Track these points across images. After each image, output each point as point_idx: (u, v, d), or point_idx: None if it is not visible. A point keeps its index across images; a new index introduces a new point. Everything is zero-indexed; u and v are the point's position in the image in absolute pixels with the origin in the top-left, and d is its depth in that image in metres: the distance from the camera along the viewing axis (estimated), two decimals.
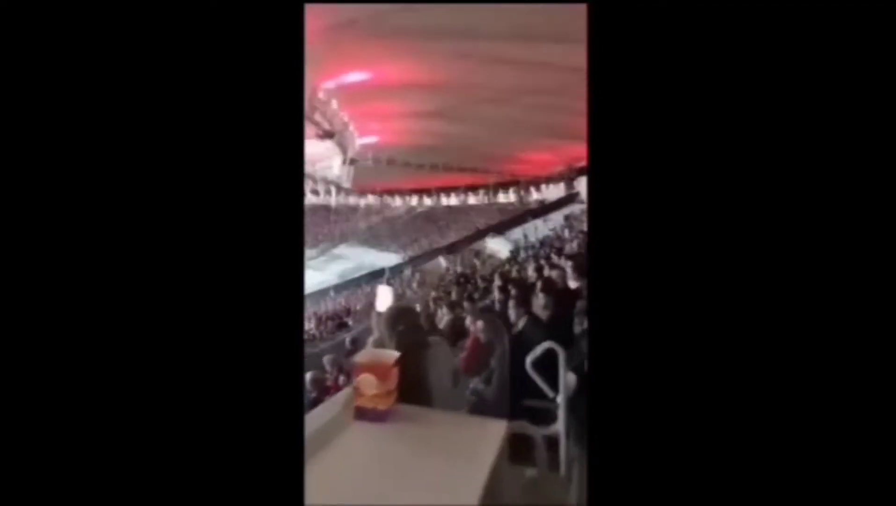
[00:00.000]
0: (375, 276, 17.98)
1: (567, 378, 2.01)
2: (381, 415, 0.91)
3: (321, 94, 15.99)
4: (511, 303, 2.41)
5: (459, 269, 13.44)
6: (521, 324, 2.36)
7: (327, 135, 16.06)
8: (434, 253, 18.43)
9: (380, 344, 1.29)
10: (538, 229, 16.12)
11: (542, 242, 12.90)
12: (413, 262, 18.35)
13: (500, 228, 18.51)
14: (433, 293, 9.04)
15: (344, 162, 18.85)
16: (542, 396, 1.84)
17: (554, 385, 1.83)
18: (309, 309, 14.03)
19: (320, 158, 18.68)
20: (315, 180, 19.84)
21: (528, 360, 1.82)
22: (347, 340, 4.75)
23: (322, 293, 16.61)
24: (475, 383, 2.08)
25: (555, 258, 5.80)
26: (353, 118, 17.39)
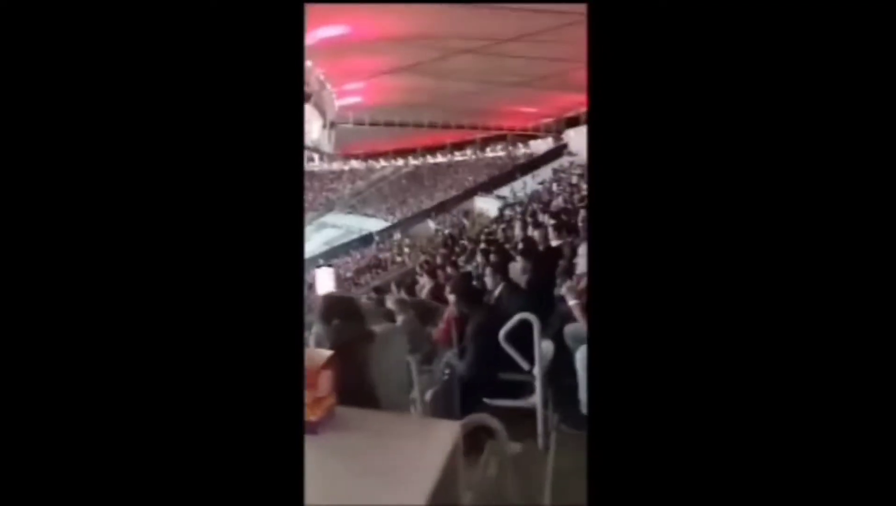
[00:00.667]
0: (364, 241, 17.81)
1: (543, 347, 1.93)
2: (312, 427, 0.81)
3: None
4: (487, 270, 2.31)
5: (447, 230, 13.31)
6: (497, 291, 2.27)
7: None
8: (423, 215, 18.18)
9: (320, 339, 1.18)
10: (527, 185, 15.87)
11: (532, 198, 12.71)
12: (401, 225, 18.13)
13: (488, 185, 18.21)
14: (421, 257, 8.96)
15: (324, 126, 18.09)
16: (519, 368, 1.77)
17: (530, 357, 1.75)
18: None
19: None
20: None
21: (502, 332, 1.74)
22: None
23: (311, 263, 16.50)
24: (448, 357, 2.00)
25: (540, 216, 5.67)
26: (330, 78, 16.52)
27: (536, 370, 1.72)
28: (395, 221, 18.81)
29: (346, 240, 18.61)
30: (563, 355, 1.94)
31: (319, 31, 14.00)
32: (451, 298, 2.05)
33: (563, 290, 1.75)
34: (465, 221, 14.72)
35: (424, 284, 3.78)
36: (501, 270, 2.28)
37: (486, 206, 15.97)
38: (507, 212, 11.55)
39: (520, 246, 3.03)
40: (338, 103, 18.02)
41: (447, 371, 2.02)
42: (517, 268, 2.45)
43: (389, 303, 3.05)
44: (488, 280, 2.31)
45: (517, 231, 5.73)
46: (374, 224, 18.94)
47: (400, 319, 2.94)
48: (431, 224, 16.59)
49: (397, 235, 16.99)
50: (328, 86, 16.93)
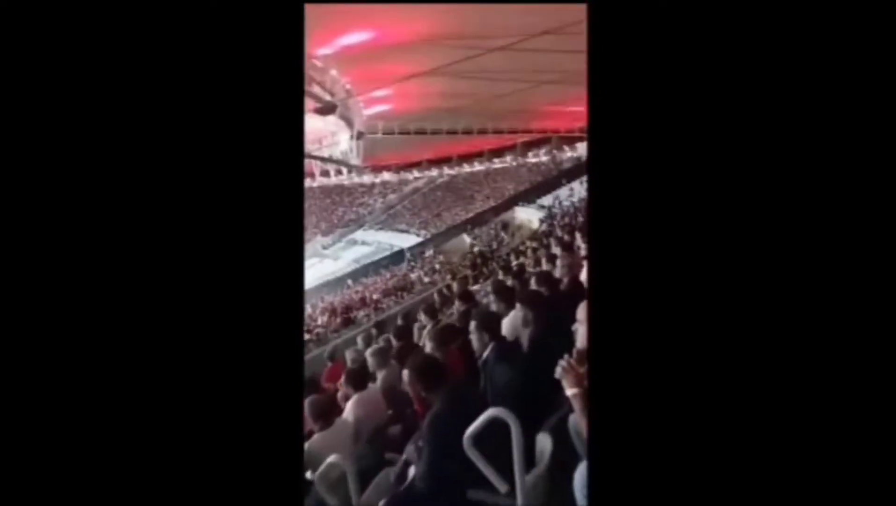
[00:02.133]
0: (395, 259, 17.72)
1: (538, 443, 1.46)
2: None
3: (317, 63, 15.44)
4: (473, 325, 1.85)
5: (477, 248, 12.86)
6: (485, 354, 1.81)
7: (328, 109, 15.53)
8: (457, 229, 17.86)
9: None
10: (574, 192, 15.13)
11: (578, 208, 11.99)
12: (434, 240, 17.88)
13: (530, 194, 17.63)
14: (447, 278, 8.57)
15: (351, 137, 18.32)
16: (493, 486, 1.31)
17: (507, 470, 1.28)
18: (326, 300, 14.05)
19: (325, 134, 18.30)
20: (325, 160, 19.55)
21: (467, 435, 1.29)
22: (326, 351, 4.35)
23: (340, 282, 16.59)
24: (408, 452, 1.57)
25: (578, 238, 5.11)
26: (356, 86, 16.78)
27: (518, 493, 1.25)
28: (429, 236, 18.61)
29: (376, 258, 18.62)
30: (566, 455, 1.45)
31: (342, 39, 14.27)
32: (404, 374, 1.62)
33: (557, 371, 1.28)
34: (504, 235, 14.22)
35: (425, 323, 3.36)
36: (489, 325, 1.82)
37: (527, 216, 15.39)
38: (545, 227, 10.94)
39: (529, 284, 2.54)
40: (366, 112, 18.25)
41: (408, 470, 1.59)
42: (518, 318, 1.97)
43: (367, 356, 2.67)
44: (474, 339, 1.85)
45: (553, 250, 5.19)
46: (407, 240, 18.84)
47: (379, 376, 2.54)
48: (467, 239, 16.21)
49: (429, 252, 16.73)
50: (354, 95, 17.19)
